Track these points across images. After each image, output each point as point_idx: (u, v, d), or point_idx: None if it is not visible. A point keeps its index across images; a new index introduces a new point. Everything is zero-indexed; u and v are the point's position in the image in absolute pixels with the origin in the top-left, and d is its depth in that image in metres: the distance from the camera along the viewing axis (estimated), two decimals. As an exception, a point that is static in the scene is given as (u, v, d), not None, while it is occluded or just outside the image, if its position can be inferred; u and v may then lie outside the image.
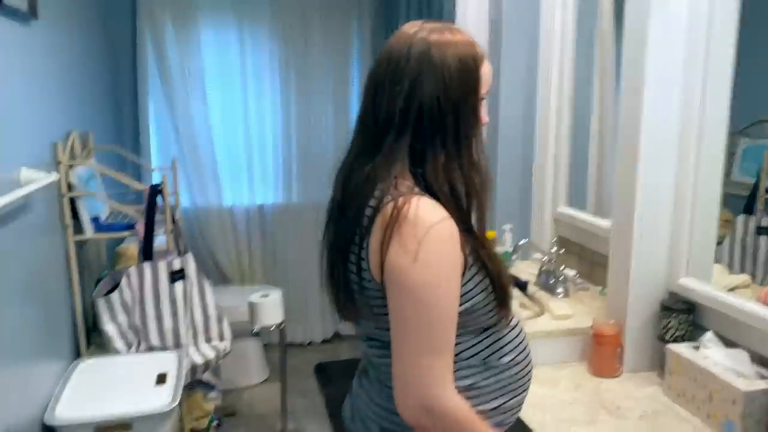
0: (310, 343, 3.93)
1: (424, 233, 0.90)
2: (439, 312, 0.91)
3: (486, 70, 1.00)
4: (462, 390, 0.99)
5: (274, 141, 3.72)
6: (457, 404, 0.94)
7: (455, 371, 0.96)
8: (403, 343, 0.93)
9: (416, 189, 0.96)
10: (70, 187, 2.05)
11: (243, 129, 3.66)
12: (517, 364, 1.06)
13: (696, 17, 1.46)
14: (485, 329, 1.03)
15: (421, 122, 0.96)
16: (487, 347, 1.02)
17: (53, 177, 1.75)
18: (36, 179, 1.67)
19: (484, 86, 1.00)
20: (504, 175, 2.47)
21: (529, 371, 1.10)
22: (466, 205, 0.98)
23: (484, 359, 1.02)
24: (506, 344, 1.05)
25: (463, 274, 0.95)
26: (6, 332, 1.50)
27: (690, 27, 1.47)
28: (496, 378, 1.03)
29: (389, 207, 0.92)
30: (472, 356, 1.01)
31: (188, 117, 3.49)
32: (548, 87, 2.14)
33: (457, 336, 0.96)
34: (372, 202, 0.96)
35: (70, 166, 2.07)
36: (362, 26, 3.73)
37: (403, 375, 0.93)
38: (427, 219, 0.91)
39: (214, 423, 2.60)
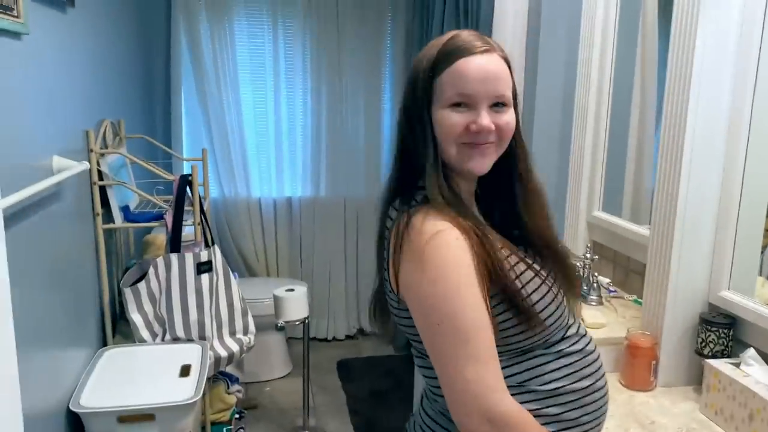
0: (333, 339, 3.92)
1: (425, 242, 0.90)
2: (462, 319, 0.88)
3: (452, 74, 0.94)
4: None
5: (303, 135, 3.72)
6: (516, 409, 0.89)
7: None
8: (440, 357, 0.90)
9: (424, 199, 0.97)
10: (100, 175, 2.06)
11: (273, 122, 3.65)
12: (564, 393, 0.96)
13: (749, 12, 1.39)
14: (525, 352, 0.96)
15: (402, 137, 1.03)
16: (525, 370, 0.96)
17: (84, 165, 1.75)
18: (68, 167, 1.67)
19: (447, 91, 0.95)
20: (539, 176, 2.42)
21: (590, 404, 0.99)
22: (461, 214, 0.95)
23: (521, 382, 0.95)
24: (553, 370, 0.97)
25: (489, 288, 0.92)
26: (35, 318, 1.51)
27: (743, 22, 1.40)
28: (538, 404, 0.95)
29: (401, 220, 0.95)
30: (507, 377, 0.94)
31: (220, 108, 3.50)
32: (587, 87, 2.08)
33: None
34: (390, 215, 1.00)
35: (102, 155, 2.08)
36: (396, 23, 3.69)
37: (452, 390, 0.89)
38: (429, 229, 0.91)
39: (236, 416, 2.60)
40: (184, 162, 3.20)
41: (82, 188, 1.96)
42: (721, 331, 1.44)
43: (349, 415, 3.00)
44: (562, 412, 0.96)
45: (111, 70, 2.40)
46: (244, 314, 2.30)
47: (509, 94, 0.97)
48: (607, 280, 1.92)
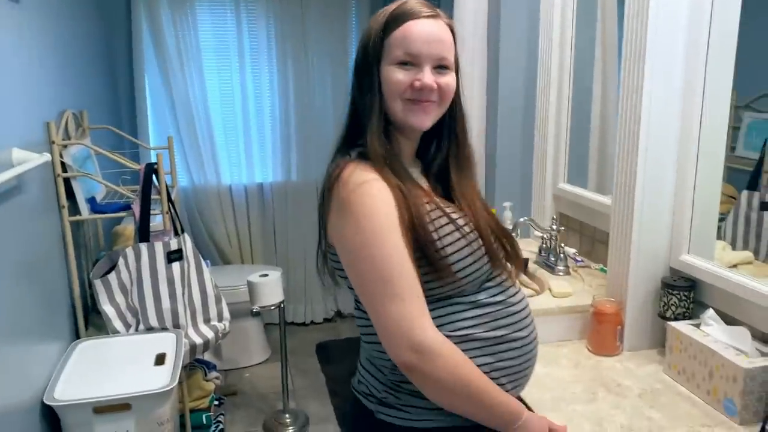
0: (311, 323, 3.94)
1: (350, 192, 0.96)
2: (386, 263, 0.94)
3: (400, 34, 1.01)
4: None
5: (272, 118, 3.70)
6: (440, 339, 0.95)
7: None
8: (369, 299, 0.97)
9: (358, 156, 1.02)
10: (64, 167, 2.03)
11: (241, 107, 3.63)
12: (474, 340, 1.01)
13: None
14: (439, 299, 1.01)
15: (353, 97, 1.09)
16: (437, 317, 1.00)
17: (45, 157, 1.73)
18: (28, 160, 1.64)
19: (395, 50, 1.02)
20: (504, 151, 2.45)
21: (505, 352, 1.03)
22: (391, 168, 1.01)
23: (438, 326, 0.98)
24: (465, 318, 1.01)
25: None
26: (4, 313, 1.49)
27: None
28: None
29: (333, 173, 1.01)
30: None
31: (185, 95, 3.45)
32: (549, 62, 2.10)
33: None
34: (329, 169, 1.04)
35: (64, 146, 2.05)
36: (360, 1, 3.67)
37: (382, 327, 0.96)
38: (355, 179, 0.97)
39: (216, 402, 2.61)
40: (151, 151, 3.17)
41: (45, 181, 1.93)
42: (682, 294, 1.48)
43: (329, 397, 3.03)
44: (474, 357, 1.00)
45: (71, 60, 2.36)
46: (218, 301, 2.30)
47: (451, 59, 1.05)
48: (574, 251, 1.96)
